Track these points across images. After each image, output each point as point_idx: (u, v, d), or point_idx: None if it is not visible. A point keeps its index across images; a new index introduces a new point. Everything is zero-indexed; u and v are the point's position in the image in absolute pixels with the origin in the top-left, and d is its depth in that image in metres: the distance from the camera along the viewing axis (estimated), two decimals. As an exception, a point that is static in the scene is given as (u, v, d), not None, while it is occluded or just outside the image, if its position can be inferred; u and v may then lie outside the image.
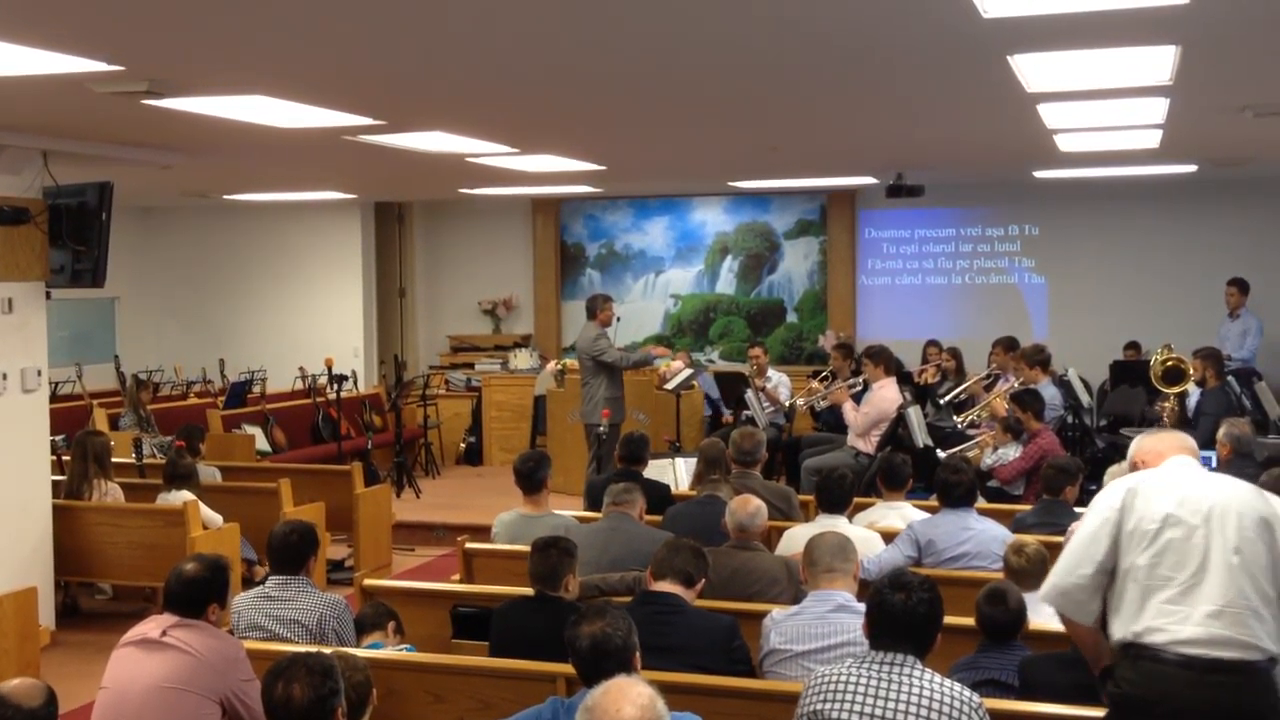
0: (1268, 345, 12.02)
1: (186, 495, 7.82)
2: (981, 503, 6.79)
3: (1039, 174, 11.85)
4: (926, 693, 3.39)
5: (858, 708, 3.41)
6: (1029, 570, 4.80)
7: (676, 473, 8.79)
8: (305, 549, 4.90)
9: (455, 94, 6.59)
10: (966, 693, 3.42)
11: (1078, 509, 6.34)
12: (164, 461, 8.74)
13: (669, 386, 10.98)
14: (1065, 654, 4.06)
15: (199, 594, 4.23)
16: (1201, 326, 11.89)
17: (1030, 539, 5.08)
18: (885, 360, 9.51)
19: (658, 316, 15.07)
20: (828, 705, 3.45)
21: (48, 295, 7.74)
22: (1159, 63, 5.79)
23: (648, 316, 15.04)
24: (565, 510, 6.72)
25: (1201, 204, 13.13)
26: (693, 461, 8.00)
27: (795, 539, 5.61)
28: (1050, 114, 7.45)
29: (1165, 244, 13.34)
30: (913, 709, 3.36)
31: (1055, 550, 5.45)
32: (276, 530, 4.96)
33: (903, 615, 3.50)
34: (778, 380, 11.52)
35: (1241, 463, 7.02)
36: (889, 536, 6.04)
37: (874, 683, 3.44)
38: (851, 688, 3.45)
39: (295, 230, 15.35)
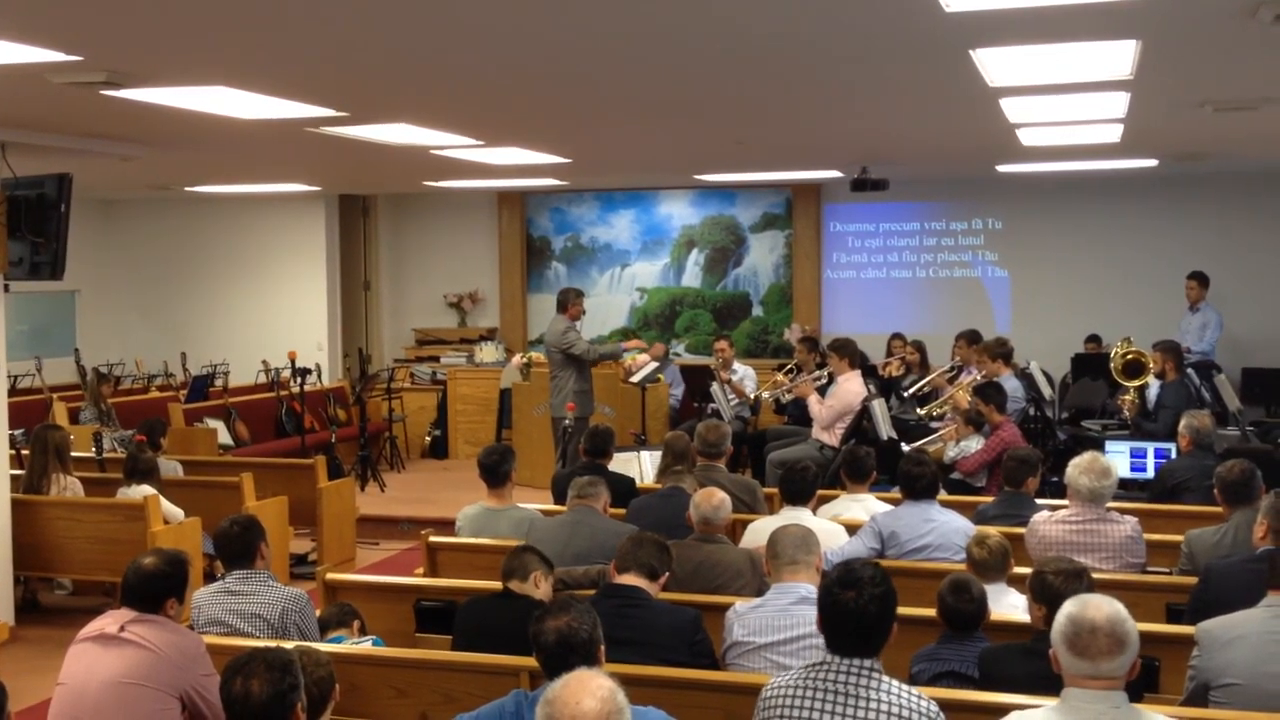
0: (1227, 338, 12.15)
1: (147, 490, 7.75)
2: (944, 495, 6.83)
3: (1002, 168, 11.92)
4: (885, 707, 3.33)
5: None
6: (991, 562, 4.83)
7: (641, 466, 8.80)
8: (251, 538, 4.86)
9: (419, 86, 6.56)
10: (924, 703, 3.36)
11: (1039, 500, 6.40)
12: (124, 456, 8.67)
13: (634, 379, 10.98)
14: (1025, 644, 4.08)
15: (157, 589, 4.19)
16: (1162, 320, 11.98)
17: (992, 531, 5.11)
18: (850, 353, 9.54)
19: (623, 310, 15.06)
20: None
21: (5, 288, 7.65)
22: (1120, 57, 5.83)
23: (613, 310, 15.03)
24: (530, 504, 6.71)
25: (1162, 199, 13.25)
26: (658, 454, 8.00)
27: (759, 532, 5.61)
28: (1012, 108, 7.49)
29: (1126, 238, 13.45)
30: None
31: (1017, 542, 5.52)
32: (219, 529, 4.93)
33: (855, 614, 3.42)
34: (743, 373, 11.54)
35: (1201, 455, 7.10)
36: (853, 528, 6.07)
37: (829, 697, 3.39)
38: (807, 705, 3.40)
39: (259, 223, 15.25)
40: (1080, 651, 3.16)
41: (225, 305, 15.43)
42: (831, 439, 9.25)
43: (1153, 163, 11.42)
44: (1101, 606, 3.19)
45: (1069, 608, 3.23)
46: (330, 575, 5.74)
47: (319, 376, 13.18)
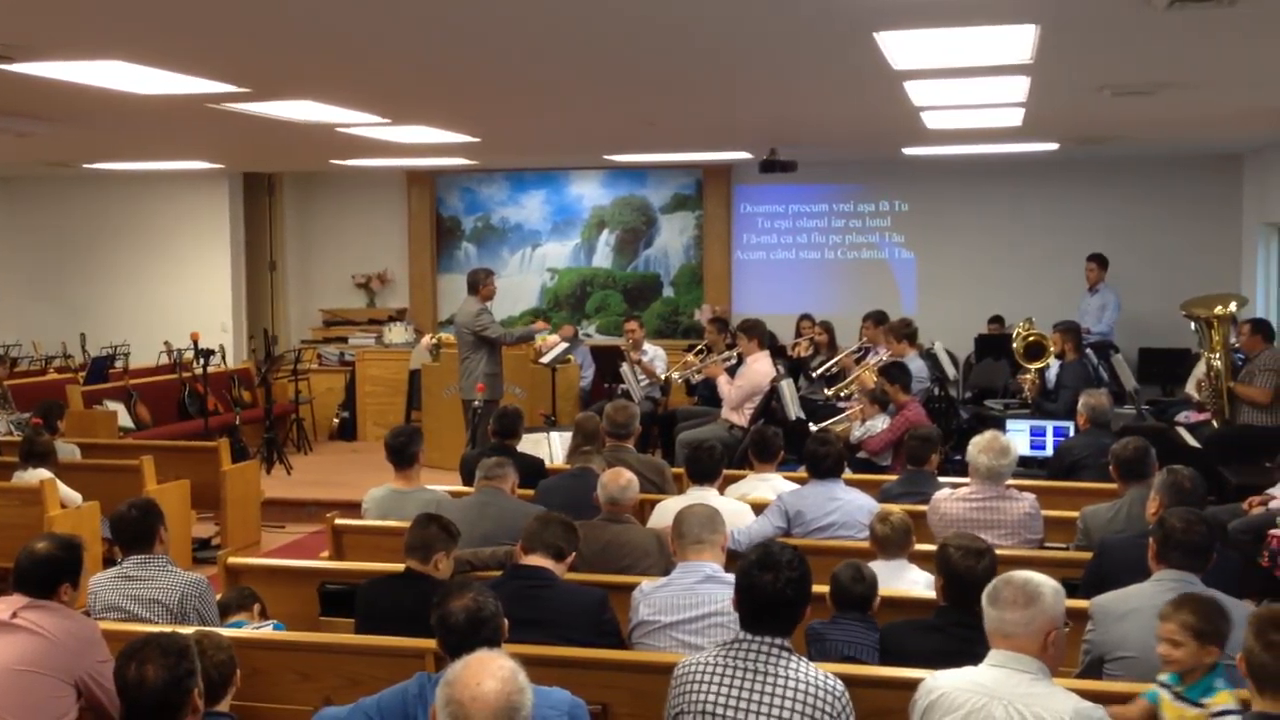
0: (1125, 319, 12.43)
1: (43, 473, 7.58)
2: (850, 474, 6.91)
3: (908, 151, 12.06)
4: (794, 682, 3.41)
5: (723, 698, 3.43)
6: (893, 539, 4.92)
7: (551, 447, 8.79)
8: (150, 522, 4.78)
9: (322, 61, 6.45)
10: (831, 681, 3.46)
11: (941, 479, 6.51)
12: (20, 439, 8.45)
13: (545, 360, 10.96)
14: (926, 620, 4.15)
15: (50, 573, 4.10)
16: (1063, 301, 12.24)
17: (895, 508, 5.18)
18: (759, 334, 9.60)
19: (534, 290, 15.01)
20: (698, 697, 3.47)
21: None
22: (1019, 42, 5.92)
23: (524, 290, 14.97)
24: (438, 486, 6.67)
25: (1063, 182, 13.51)
26: (568, 435, 8.00)
27: (666, 512, 5.63)
28: (916, 91, 7.57)
29: (1028, 221, 13.69)
30: (779, 700, 3.39)
31: (919, 519, 5.61)
32: (117, 512, 4.84)
33: (772, 595, 3.51)
34: (653, 354, 11.57)
35: (1098, 433, 7.27)
36: (760, 508, 6.11)
37: (742, 675, 3.46)
38: (720, 682, 3.47)
39: (161, 201, 14.93)
40: (992, 600, 3.45)
41: (126, 285, 15.09)
42: (740, 419, 9.31)
43: (1054, 146, 11.63)
44: (1027, 574, 3.50)
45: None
46: (232, 559, 5.65)
47: (223, 358, 12.97)
